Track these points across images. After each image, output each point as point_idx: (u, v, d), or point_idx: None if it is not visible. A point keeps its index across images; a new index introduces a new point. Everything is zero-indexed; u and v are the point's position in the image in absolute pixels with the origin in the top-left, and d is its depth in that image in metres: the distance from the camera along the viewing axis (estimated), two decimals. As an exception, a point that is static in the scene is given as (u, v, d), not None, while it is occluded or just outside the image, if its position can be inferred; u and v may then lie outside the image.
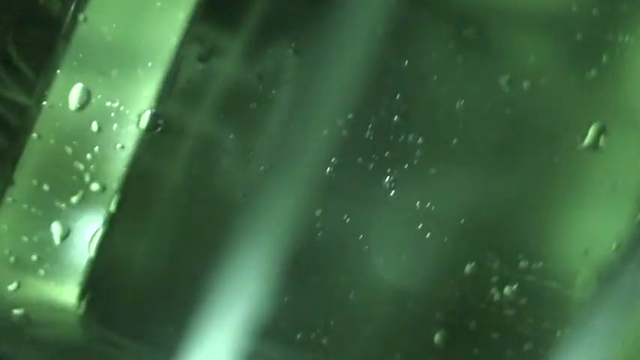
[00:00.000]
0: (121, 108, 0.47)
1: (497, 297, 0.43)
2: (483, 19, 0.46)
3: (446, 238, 0.44)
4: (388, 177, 0.45)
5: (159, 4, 0.48)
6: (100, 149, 0.47)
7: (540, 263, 0.43)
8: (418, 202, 0.45)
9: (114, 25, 0.48)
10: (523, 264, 0.43)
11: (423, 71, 0.46)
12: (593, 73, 0.44)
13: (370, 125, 0.46)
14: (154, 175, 0.48)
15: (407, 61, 0.47)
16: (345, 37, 0.47)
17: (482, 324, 0.43)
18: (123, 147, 0.47)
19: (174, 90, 0.48)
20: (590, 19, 0.44)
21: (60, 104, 0.47)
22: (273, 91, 0.48)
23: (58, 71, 0.47)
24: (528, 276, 0.43)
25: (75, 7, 0.48)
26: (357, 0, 0.46)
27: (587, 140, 0.43)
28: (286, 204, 0.46)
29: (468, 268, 0.43)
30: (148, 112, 0.47)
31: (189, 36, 0.48)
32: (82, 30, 0.48)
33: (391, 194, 0.46)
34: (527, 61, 0.45)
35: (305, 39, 0.48)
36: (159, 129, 0.47)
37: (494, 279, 0.43)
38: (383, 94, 0.47)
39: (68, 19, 0.48)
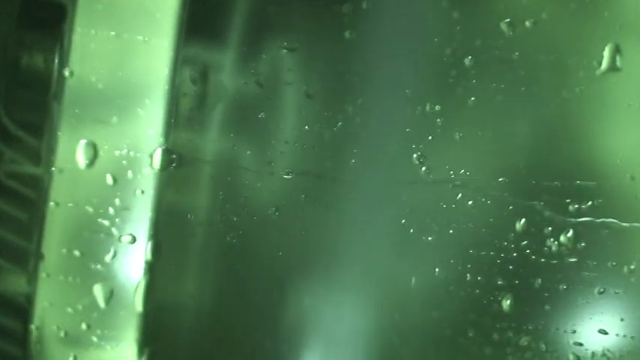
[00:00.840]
0: (131, 153, 0.50)
1: (555, 248, 0.46)
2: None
3: (489, 201, 0.47)
4: (415, 153, 0.48)
5: (140, 37, 0.51)
6: (120, 200, 0.50)
7: (589, 202, 0.45)
8: (451, 172, 0.48)
9: (102, 72, 0.51)
10: (572, 207, 0.45)
11: (423, 37, 0.49)
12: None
13: (383, 105, 0.49)
14: (182, 212, 0.51)
15: (402, 31, 0.49)
16: (334, 22, 0.50)
17: (547, 279, 0.46)
18: (143, 192, 0.50)
19: (178, 120, 0.51)
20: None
21: (69, 166, 0.50)
22: (278, 96, 0.50)
23: (59, 133, 0.50)
24: (581, 218, 0.45)
25: (59, 64, 0.51)
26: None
27: (605, 63, 0.45)
28: (318, 209, 0.49)
29: (518, 225, 0.46)
30: (159, 150, 0.50)
31: (179, 62, 0.51)
32: (71, 85, 0.51)
33: (422, 170, 0.48)
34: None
35: (295, 35, 0.51)
36: (174, 164, 0.50)
37: (548, 230, 0.46)
38: (387, 70, 0.49)
39: (55, 77, 0.51)
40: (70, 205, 0.50)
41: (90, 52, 0.51)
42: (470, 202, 0.47)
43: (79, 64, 0.51)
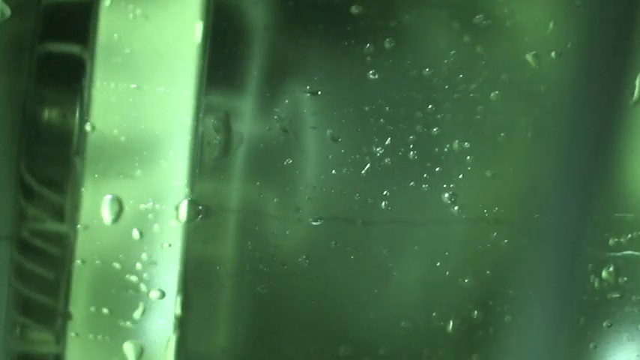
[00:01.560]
0: (157, 206, 0.50)
1: (597, 284, 0.45)
2: (488, 2, 0.48)
3: (525, 240, 0.46)
4: (447, 192, 0.47)
5: (161, 88, 0.51)
6: (147, 255, 0.50)
7: (629, 235, 0.44)
8: (485, 210, 0.47)
9: (123, 125, 0.51)
10: (612, 241, 0.44)
11: (447, 74, 0.48)
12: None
13: (411, 145, 0.48)
14: (210, 264, 0.50)
15: (427, 68, 0.49)
16: (357, 63, 0.49)
17: (591, 315, 0.45)
18: (170, 245, 0.49)
19: (203, 171, 0.50)
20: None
21: (95, 222, 0.50)
22: (302, 141, 0.50)
23: (83, 189, 0.50)
24: (621, 252, 0.44)
25: (80, 119, 0.51)
26: (356, 22, 0.48)
27: (637, 93, 0.45)
28: (350, 254, 0.48)
29: (560, 262, 0.45)
30: (185, 202, 0.50)
31: (202, 111, 0.51)
32: (93, 139, 0.51)
33: (455, 209, 0.47)
34: (547, 30, 0.47)
35: (317, 78, 0.50)
36: (200, 216, 0.50)
37: (589, 266, 0.45)
38: (413, 108, 0.49)
39: (76, 132, 0.51)
40: (96, 262, 0.50)
41: (111, 106, 0.51)
42: (505, 241, 0.46)
43: (100, 118, 0.51)
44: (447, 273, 0.47)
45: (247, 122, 0.52)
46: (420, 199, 0.48)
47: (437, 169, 0.48)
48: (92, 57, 0.52)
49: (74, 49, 0.53)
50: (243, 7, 0.53)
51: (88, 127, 0.52)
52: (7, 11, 0.49)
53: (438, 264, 0.48)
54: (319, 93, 0.51)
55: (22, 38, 0.53)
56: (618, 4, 0.46)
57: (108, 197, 0.51)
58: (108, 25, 0.52)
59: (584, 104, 0.46)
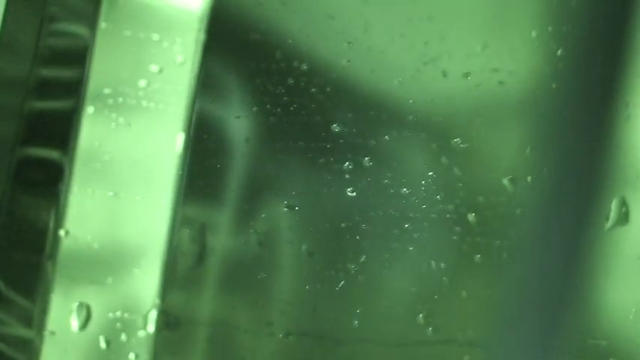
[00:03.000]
0: (125, 315, 0.49)
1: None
2: (465, 124, 0.49)
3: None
4: (421, 313, 0.48)
5: (138, 197, 0.51)
6: (113, 364, 0.49)
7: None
8: (459, 331, 0.47)
9: (98, 232, 0.51)
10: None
11: (426, 194, 0.49)
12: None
13: (387, 263, 0.49)
14: (177, 376, 0.50)
15: (405, 188, 0.50)
16: (335, 179, 0.50)
17: None
18: (137, 356, 0.49)
19: (175, 281, 0.50)
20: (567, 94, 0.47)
21: (61, 328, 0.49)
22: (278, 255, 0.50)
23: (52, 294, 0.50)
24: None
25: (54, 223, 0.51)
26: (336, 140, 0.49)
27: (612, 218, 0.45)
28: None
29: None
30: (154, 312, 0.49)
31: (178, 221, 0.51)
32: (66, 245, 0.51)
33: (429, 330, 0.47)
34: (524, 155, 0.48)
35: (295, 193, 0.51)
36: (169, 327, 0.50)
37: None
38: (390, 226, 0.49)
39: (50, 237, 0.51)
40: (60, 370, 0.49)
41: (86, 212, 0.51)
42: (482, 364, 0.46)
43: (74, 223, 0.51)
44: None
45: (223, 234, 0.53)
46: (394, 319, 0.48)
47: (412, 288, 0.48)
48: (71, 162, 0.53)
49: (54, 154, 0.54)
50: (224, 120, 0.54)
51: (61, 232, 0.52)
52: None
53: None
54: (296, 208, 0.52)
55: (2, 141, 0.54)
56: (593, 129, 0.48)
57: (76, 304, 0.51)
58: (89, 131, 0.53)
59: (558, 228, 0.46)
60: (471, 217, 0.50)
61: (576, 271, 0.46)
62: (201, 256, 0.53)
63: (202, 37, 0.57)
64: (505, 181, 0.50)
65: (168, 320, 0.51)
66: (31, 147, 0.55)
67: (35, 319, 0.52)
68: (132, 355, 0.51)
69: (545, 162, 0.48)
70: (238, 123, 0.55)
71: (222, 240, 0.53)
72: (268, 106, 0.54)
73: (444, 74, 0.52)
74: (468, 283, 0.49)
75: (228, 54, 0.57)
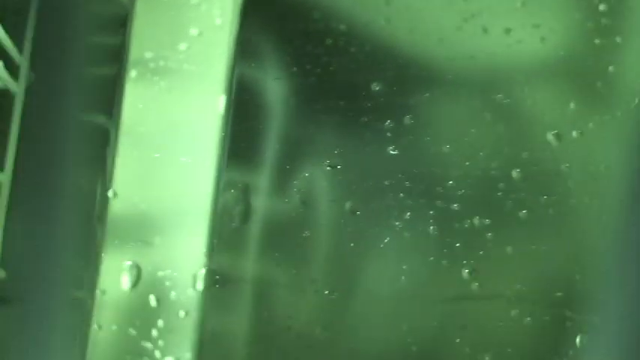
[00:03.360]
0: (175, 274, 0.50)
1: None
2: (507, 80, 0.49)
3: (546, 317, 0.46)
4: (466, 269, 0.48)
5: (183, 159, 0.52)
6: (163, 322, 0.50)
7: None
8: (505, 287, 0.47)
9: (145, 193, 0.52)
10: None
11: (468, 151, 0.49)
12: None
13: (430, 220, 0.49)
14: (225, 333, 0.51)
15: (448, 146, 0.50)
16: (377, 138, 0.50)
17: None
18: (187, 313, 0.50)
19: (222, 240, 0.51)
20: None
21: (113, 288, 0.50)
22: (321, 214, 0.51)
23: (103, 254, 0.50)
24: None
25: (101, 185, 0.52)
26: (376, 99, 0.50)
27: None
28: (366, 327, 0.48)
29: (578, 341, 0.46)
30: (203, 271, 0.50)
31: (222, 182, 0.52)
32: (114, 206, 0.52)
33: (474, 285, 0.48)
34: (569, 108, 0.48)
35: (337, 152, 0.51)
36: (217, 285, 0.50)
37: (608, 344, 0.45)
38: (433, 184, 0.50)
39: (98, 198, 0.52)
40: (113, 327, 0.50)
41: (133, 174, 0.52)
42: (527, 319, 0.47)
43: (122, 184, 0.52)
44: (467, 349, 0.48)
45: (267, 194, 0.53)
46: (439, 275, 0.49)
47: (457, 244, 0.49)
48: (117, 126, 0.53)
49: (99, 118, 0.54)
50: (264, 81, 0.55)
51: (110, 194, 0.53)
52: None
53: (458, 340, 0.48)
54: (338, 167, 0.52)
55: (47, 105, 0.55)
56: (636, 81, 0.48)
57: (127, 263, 0.52)
58: (133, 95, 0.54)
59: (604, 183, 0.47)
60: (516, 173, 0.50)
61: (633, 221, 0.47)
62: (245, 215, 0.53)
63: (240, -1, 0.57)
64: (550, 137, 0.50)
65: (216, 278, 0.52)
66: (77, 111, 0.55)
67: (87, 280, 0.53)
68: (182, 313, 0.52)
69: (591, 117, 0.48)
70: (278, 84, 0.55)
71: (265, 200, 0.54)
72: (308, 66, 0.55)
73: (485, 30, 0.52)
74: (513, 238, 0.50)
75: (266, 16, 0.57)
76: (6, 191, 0.45)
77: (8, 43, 0.42)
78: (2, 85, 0.43)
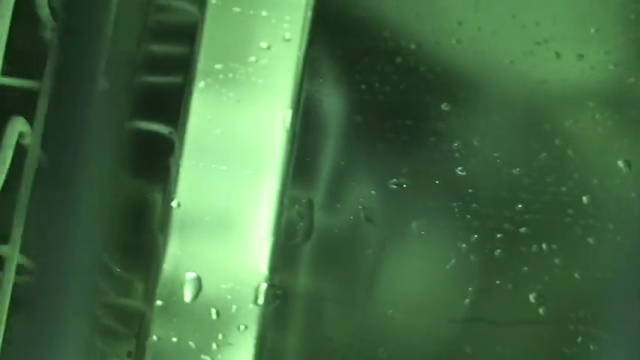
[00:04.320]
0: (237, 287, 0.51)
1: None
2: (579, 106, 0.50)
3: (613, 348, 0.46)
4: (533, 293, 0.48)
5: (248, 171, 0.52)
6: (223, 336, 0.50)
7: None
8: (571, 313, 0.47)
9: (209, 204, 0.52)
10: None
11: (538, 175, 0.50)
12: None
13: (498, 243, 0.49)
14: (285, 348, 0.51)
15: (517, 169, 0.50)
16: (445, 158, 0.51)
17: None
18: (246, 327, 0.50)
19: (284, 255, 0.52)
20: None
21: (174, 299, 0.51)
22: (387, 232, 0.51)
23: (164, 265, 0.51)
24: None
25: (166, 196, 0.53)
26: (446, 119, 0.50)
27: None
28: (428, 348, 0.49)
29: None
30: (264, 286, 0.51)
31: (286, 196, 0.52)
32: (178, 217, 0.52)
33: (540, 311, 0.48)
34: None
35: (404, 171, 0.52)
36: (278, 300, 0.51)
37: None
38: (503, 208, 0.50)
39: (162, 209, 0.53)
40: (173, 339, 0.51)
41: (197, 185, 0.53)
42: (591, 347, 0.47)
43: (186, 196, 0.52)
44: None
45: (330, 211, 0.54)
46: (506, 298, 0.49)
47: (524, 268, 0.49)
48: (182, 136, 0.54)
49: (164, 127, 0.55)
50: (332, 98, 0.55)
51: (173, 204, 0.53)
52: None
53: (521, 367, 0.48)
54: (404, 186, 0.53)
55: (114, 115, 0.55)
56: None
57: (190, 275, 0.52)
58: (201, 106, 0.54)
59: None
60: (585, 199, 0.50)
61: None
62: (308, 231, 0.54)
63: (310, 14, 0.58)
64: (620, 163, 0.50)
65: (277, 293, 0.53)
66: (142, 120, 0.56)
67: (148, 290, 0.53)
68: (241, 327, 0.52)
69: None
70: (346, 101, 0.56)
71: (329, 216, 0.54)
72: (377, 84, 0.55)
73: (558, 55, 0.52)
74: (581, 265, 0.50)
75: (336, 32, 0.58)
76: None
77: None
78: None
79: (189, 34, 0.58)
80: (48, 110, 0.39)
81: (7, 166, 0.36)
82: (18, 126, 0.37)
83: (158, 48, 0.57)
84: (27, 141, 0.38)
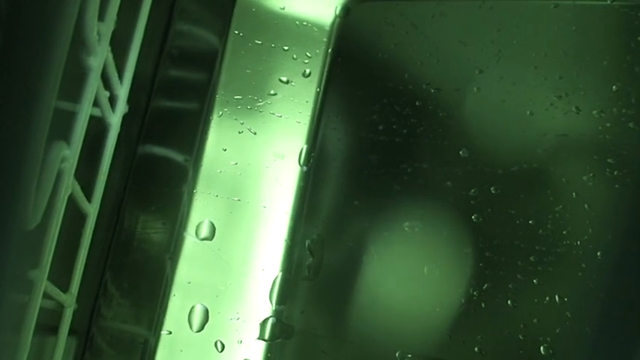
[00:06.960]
0: (243, 321, 0.52)
1: None
2: (596, 161, 0.52)
3: None
4: (543, 345, 0.50)
5: (262, 205, 0.54)
6: (227, 369, 0.52)
7: None
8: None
9: (221, 236, 0.53)
10: None
11: (552, 228, 0.52)
12: None
13: (509, 292, 0.51)
14: (289, 387, 0.52)
15: (532, 221, 0.52)
16: (460, 204, 0.53)
17: None
18: (251, 362, 0.52)
19: (292, 291, 0.53)
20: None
21: (181, 329, 0.52)
22: (397, 273, 0.53)
23: (171, 295, 0.52)
24: None
25: (178, 225, 0.54)
26: (464, 166, 0.52)
27: None
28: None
29: None
30: (270, 320, 0.52)
31: (298, 233, 0.54)
32: (187, 246, 0.53)
33: (549, 363, 0.50)
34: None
35: (418, 214, 0.53)
36: (284, 336, 0.52)
37: None
38: (516, 258, 0.52)
39: (174, 239, 0.54)
40: (177, 369, 0.52)
41: (209, 215, 0.54)
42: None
43: (197, 227, 0.54)
44: None
45: (341, 249, 0.55)
46: (515, 349, 0.51)
47: (534, 320, 0.51)
48: (196, 164, 0.56)
49: (178, 155, 0.56)
50: (349, 136, 0.57)
51: (185, 235, 0.55)
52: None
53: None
54: (416, 229, 0.54)
55: (126, 137, 0.57)
56: None
57: (196, 306, 0.53)
58: (216, 135, 0.56)
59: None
60: (599, 254, 0.52)
61: None
62: (318, 268, 0.55)
63: (330, 51, 0.60)
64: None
65: (283, 329, 0.54)
66: (155, 145, 0.58)
67: (154, 319, 0.55)
68: (246, 361, 0.53)
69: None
70: (363, 140, 0.58)
71: (339, 254, 0.56)
72: (394, 126, 0.57)
73: (578, 110, 0.55)
74: (593, 319, 0.52)
75: (356, 71, 0.60)
76: (91, 223, 0.46)
77: (114, 74, 0.44)
78: (98, 115, 0.45)
79: (208, 61, 0.60)
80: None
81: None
82: None
83: (176, 73, 0.59)
84: None
